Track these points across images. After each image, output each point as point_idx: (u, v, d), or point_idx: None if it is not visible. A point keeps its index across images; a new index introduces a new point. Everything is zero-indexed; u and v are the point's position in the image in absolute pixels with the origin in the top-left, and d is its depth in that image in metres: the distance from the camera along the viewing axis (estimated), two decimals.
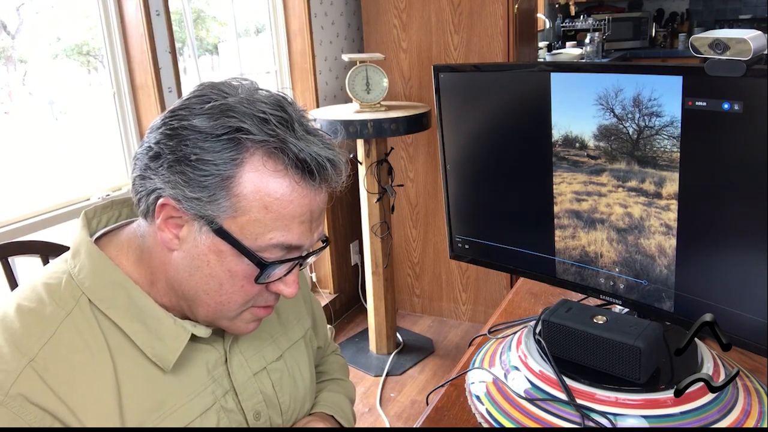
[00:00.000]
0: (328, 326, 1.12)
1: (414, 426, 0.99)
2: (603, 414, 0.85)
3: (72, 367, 0.69)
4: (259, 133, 0.67)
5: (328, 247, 3.04)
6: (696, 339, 0.84)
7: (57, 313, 0.71)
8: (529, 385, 0.92)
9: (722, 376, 0.90)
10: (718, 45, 0.76)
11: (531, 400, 0.90)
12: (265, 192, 0.68)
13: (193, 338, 0.76)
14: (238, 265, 0.71)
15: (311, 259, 0.77)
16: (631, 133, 0.88)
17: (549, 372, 0.92)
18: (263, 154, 0.68)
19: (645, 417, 0.84)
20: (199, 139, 0.67)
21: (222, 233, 0.69)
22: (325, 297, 3.00)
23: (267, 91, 0.73)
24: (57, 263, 0.77)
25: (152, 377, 0.73)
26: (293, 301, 0.93)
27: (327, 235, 0.80)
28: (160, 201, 0.69)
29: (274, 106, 0.70)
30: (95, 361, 0.70)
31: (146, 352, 0.73)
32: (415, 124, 2.34)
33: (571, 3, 5.13)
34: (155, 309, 0.74)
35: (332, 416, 0.95)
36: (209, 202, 0.68)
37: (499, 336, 1.13)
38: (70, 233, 0.79)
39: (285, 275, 0.74)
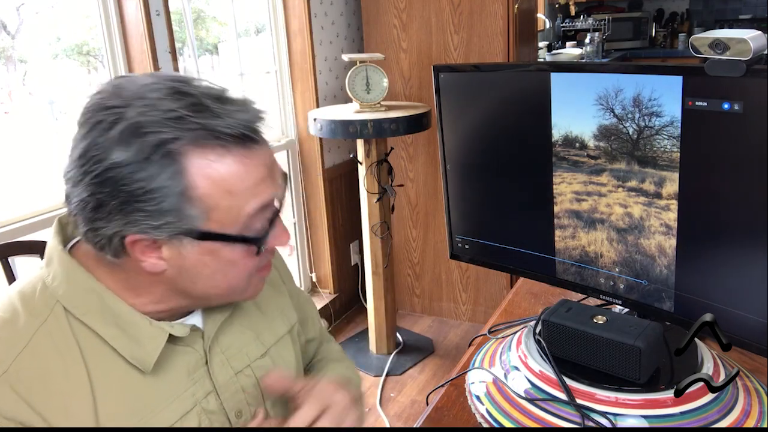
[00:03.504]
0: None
1: (414, 426, 0.99)
2: (603, 414, 0.85)
3: (46, 376, 0.68)
4: (183, 134, 0.64)
5: (328, 248, 3.03)
6: (696, 339, 0.84)
7: (31, 323, 0.70)
8: (529, 385, 0.92)
9: (722, 376, 0.90)
10: (718, 45, 0.76)
11: (531, 400, 0.90)
12: (221, 180, 0.67)
13: (173, 341, 0.76)
14: (234, 252, 0.71)
15: (285, 202, 0.77)
16: (631, 133, 0.88)
17: (549, 372, 0.92)
18: (199, 149, 0.65)
19: (645, 417, 0.84)
20: (132, 172, 0.63)
21: (205, 236, 0.68)
22: (325, 297, 3.00)
23: (155, 81, 0.67)
24: (33, 272, 0.75)
25: (131, 382, 0.72)
26: (278, 297, 0.92)
27: (284, 172, 0.78)
28: (127, 240, 0.67)
29: (175, 96, 0.65)
30: (69, 369, 0.69)
31: (125, 355, 0.72)
32: (415, 124, 2.34)
33: (571, 3, 5.13)
34: (130, 313, 0.73)
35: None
36: (178, 219, 0.66)
37: (499, 336, 1.13)
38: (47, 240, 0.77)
39: (275, 230, 0.74)
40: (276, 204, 0.74)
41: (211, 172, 0.66)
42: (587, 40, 4.69)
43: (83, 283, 0.72)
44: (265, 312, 0.89)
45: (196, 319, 0.80)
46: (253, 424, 0.80)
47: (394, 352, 2.74)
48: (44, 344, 0.69)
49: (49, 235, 0.76)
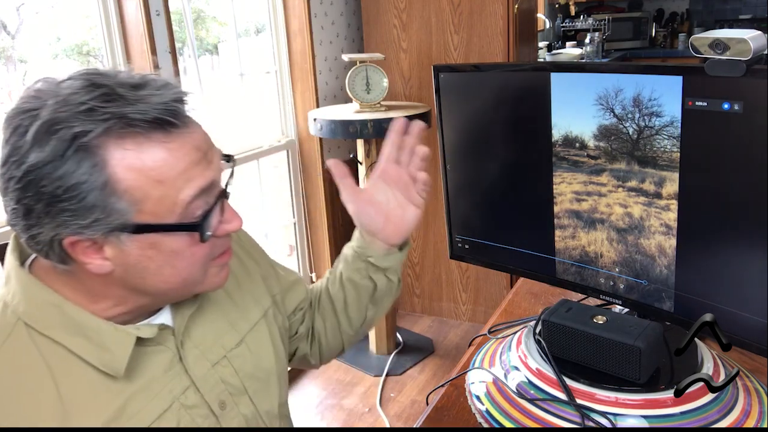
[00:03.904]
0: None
1: (414, 426, 0.99)
2: (603, 414, 0.85)
3: (11, 396, 0.67)
4: (95, 126, 0.62)
5: (328, 248, 3.02)
6: (696, 339, 0.84)
7: None
8: (525, 380, 0.92)
9: (722, 376, 0.90)
10: (718, 45, 0.76)
11: (531, 400, 0.90)
12: (146, 170, 0.65)
13: (143, 342, 0.74)
14: (176, 242, 0.69)
15: (231, 185, 0.75)
16: (631, 133, 0.88)
17: (549, 372, 0.92)
18: (115, 139, 0.63)
19: (645, 417, 0.84)
20: (50, 172, 0.62)
21: (141, 229, 0.66)
22: None
23: (71, 77, 0.66)
24: None
25: (104, 389, 0.71)
26: (249, 282, 0.91)
27: (228, 154, 0.76)
28: (65, 243, 0.66)
29: (88, 89, 0.64)
30: (35, 386, 0.68)
31: (94, 363, 0.70)
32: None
33: (571, 3, 5.13)
34: (93, 321, 0.71)
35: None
36: (108, 215, 0.64)
37: (499, 336, 1.13)
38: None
39: (222, 216, 0.73)
40: (221, 187, 0.72)
41: (134, 162, 0.64)
42: (587, 40, 4.69)
43: (42, 298, 0.71)
44: (236, 300, 0.88)
45: (164, 317, 0.79)
46: None
47: (394, 352, 2.74)
48: (6, 364, 0.68)
49: (6, 253, 0.75)
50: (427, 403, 1.04)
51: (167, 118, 0.65)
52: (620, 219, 0.93)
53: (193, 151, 0.68)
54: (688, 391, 0.81)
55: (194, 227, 0.69)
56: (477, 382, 1.00)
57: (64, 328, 0.70)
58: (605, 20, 5.02)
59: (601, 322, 0.91)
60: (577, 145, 0.94)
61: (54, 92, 0.64)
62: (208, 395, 0.79)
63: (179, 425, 0.76)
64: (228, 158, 0.76)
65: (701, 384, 0.83)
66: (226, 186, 0.74)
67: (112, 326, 0.72)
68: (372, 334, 2.72)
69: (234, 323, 0.86)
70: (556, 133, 0.96)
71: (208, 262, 0.74)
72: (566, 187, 0.97)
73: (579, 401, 0.87)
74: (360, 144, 2.44)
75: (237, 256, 0.92)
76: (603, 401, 0.86)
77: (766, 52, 0.76)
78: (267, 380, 0.88)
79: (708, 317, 0.76)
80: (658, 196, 0.88)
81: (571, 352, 0.93)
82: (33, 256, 0.75)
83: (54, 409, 0.68)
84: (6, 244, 1.09)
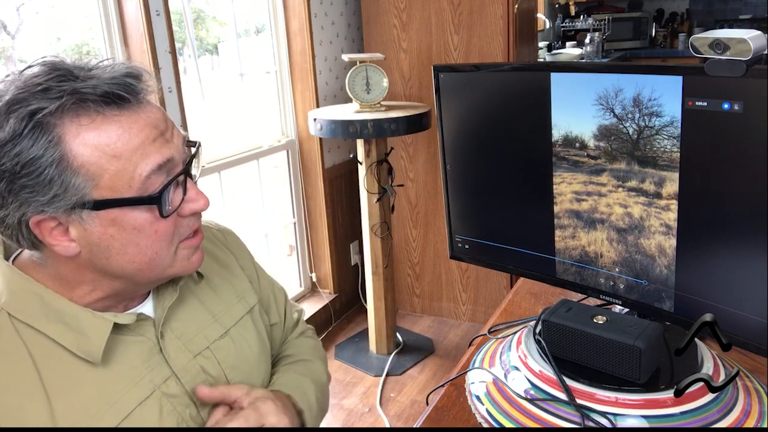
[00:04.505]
0: (298, 306, 1.11)
1: (414, 426, 0.99)
2: (603, 414, 0.85)
3: None
4: (50, 103, 0.65)
5: (328, 248, 3.01)
6: (696, 339, 0.84)
7: None
8: (529, 385, 0.93)
9: (722, 376, 0.90)
10: (718, 45, 0.76)
11: (531, 400, 0.90)
12: (101, 145, 0.67)
13: (123, 331, 0.76)
14: (137, 218, 0.70)
15: (195, 167, 0.77)
16: (631, 133, 0.88)
17: (549, 372, 0.92)
18: (70, 116, 0.66)
19: (645, 417, 0.84)
20: (8, 149, 0.65)
21: (100, 205, 0.68)
22: (325, 297, 3.00)
23: (35, 65, 0.70)
24: None
25: (84, 376, 0.73)
26: (234, 280, 0.93)
27: (194, 140, 0.78)
28: (31, 223, 0.68)
29: (46, 72, 0.67)
30: (18, 373, 0.70)
31: (73, 349, 0.72)
32: (415, 124, 2.34)
33: (571, 3, 5.13)
34: (72, 308, 0.73)
35: (289, 396, 0.91)
36: (65, 191, 0.66)
37: (499, 336, 1.13)
38: None
39: (185, 195, 0.74)
40: (182, 166, 0.73)
41: (89, 138, 0.66)
42: (587, 40, 4.69)
43: (24, 287, 0.73)
44: (221, 295, 0.90)
45: (146, 308, 0.81)
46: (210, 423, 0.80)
47: (394, 352, 2.74)
48: None
49: None
50: (427, 403, 1.04)
51: (118, 91, 0.68)
52: (620, 219, 0.93)
53: (147, 128, 0.70)
54: (688, 391, 0.81)
55: (152, 200, 0.70)
56: (477, 382, 1.00)
57: (44, 316, 0.72)
58: (605, 20, 5.02)
59: (601, 322, 0.91)
60: (577, 145, 0.94)
61: (18, 78, 0.68)
62: (189, 385, 0.81)
63: (161, 412, 0.77)
64: (193, 143, 0.78)
65: (701, 384, 0.83)
66: (189, 166, 0.75)
67: (89, 312, 0.74)
68: (372, 334, 2.73)
69: (217, 316, 0.87)
70: (556, 133, 0.96)
71: (176, 242, 0.75)
72: (566, 187, 0.97)
73: (579, 401, 0.87)
74: (360, 144, 2.44)
75: (222, 254, 0.94)
76: (603, 401, 0.86)
77: (766, 52, 0.76)
78: (250, 372, 0.89)
79: (708, 317, 0.76)
80: (658, 196, 0.88)
81: (571, 352, 0.93)
82: (15, 253, 0.78)
83: (36, 396, 0.70)
84: None
